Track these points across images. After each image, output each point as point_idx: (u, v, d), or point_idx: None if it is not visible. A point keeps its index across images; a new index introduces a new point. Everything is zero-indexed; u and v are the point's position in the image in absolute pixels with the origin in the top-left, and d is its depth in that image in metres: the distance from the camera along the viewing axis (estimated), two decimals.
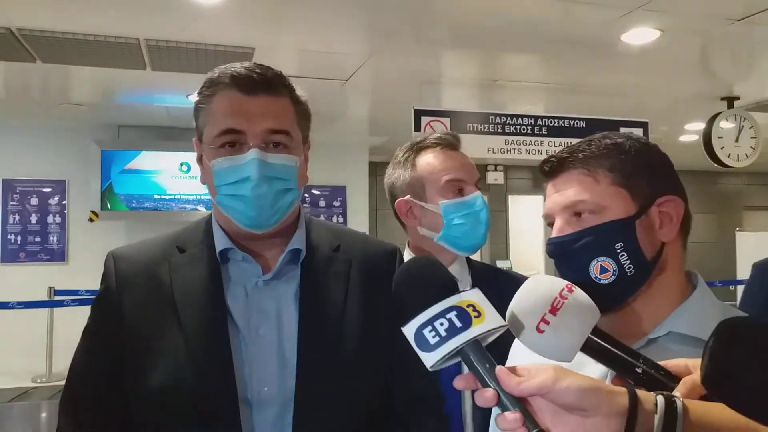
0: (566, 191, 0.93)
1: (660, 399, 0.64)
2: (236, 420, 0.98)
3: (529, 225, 8.76)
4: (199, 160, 1.12)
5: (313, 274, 1.08)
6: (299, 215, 1.14)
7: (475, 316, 0.69)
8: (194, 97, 1.13)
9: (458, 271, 1.57)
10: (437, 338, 0.68)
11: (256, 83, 1.03)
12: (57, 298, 4.90)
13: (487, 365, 0.67)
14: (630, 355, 0.75)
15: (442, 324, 0.68)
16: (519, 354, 1.07)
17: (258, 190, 1.01)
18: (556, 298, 0.76)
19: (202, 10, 2.86)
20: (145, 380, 1.01)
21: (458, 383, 0.69)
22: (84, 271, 5.21)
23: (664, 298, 0.91)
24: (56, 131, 5.33)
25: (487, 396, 0.65)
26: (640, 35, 3.22)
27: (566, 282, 0.78)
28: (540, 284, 0.78)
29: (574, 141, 3.77)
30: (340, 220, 6.27)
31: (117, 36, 3.16)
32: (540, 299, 0.76)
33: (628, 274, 0.88)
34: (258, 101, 1.03)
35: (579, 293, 0.77)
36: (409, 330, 0.70)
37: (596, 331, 0.77)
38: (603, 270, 0.89)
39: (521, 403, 0.65)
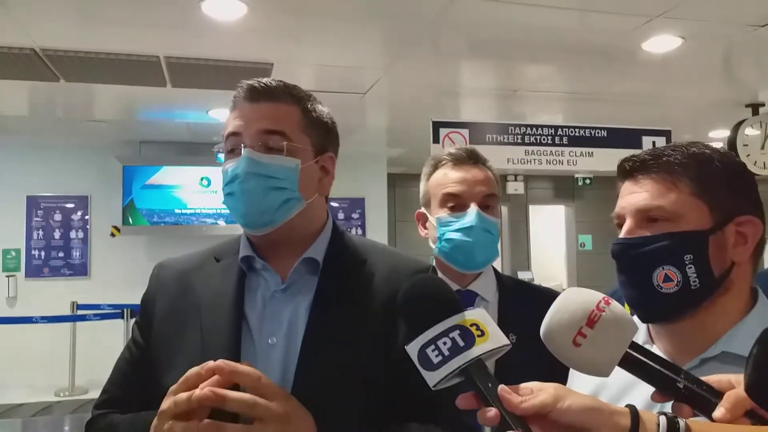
0: (643, 193, 0.91)
1: (662, 419, 0.63)
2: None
3: (550, 235, 8.68)
4: None
5: (329, 287, 1.08)
6: (324, 226, 1.15)
7: (479, 335, 0.70)
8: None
9: (481, 286, 1.55)
10: (440, 357, 0.68)
11: (257, 91, 1.08)
12: (80, 312, 4.96)
13: (490, 384, 0.67)
14: (671, 370, 0.73)
15: (445, 343, 0.69)
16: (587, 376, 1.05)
17: (244, 186, 1.04)
18: (593, 310, 0.73)
19: (221, 27, 2.88)
20: (162, 380, 1.02)
21: (460, 402, 0.69)
22: (106, 286, 5.26)
23: (724, 318, 0.88)
24: (79, 148, 5.42)
25: (489, 416, 0.65)
26: (662, 43, 3.18)
27: (602, 294, 0.76)
28: (576, 297, 0.76)
29: (596, 150, 3.69)
30: (359, 232, 6.26)
31: (138, 54, 3.20)
32: (576, 312, 0.74)
33: (692, 287, 0.86)
34: (258, 107, 1.08)
35: (616, 306, 0.74)
36: (412, 349, 0.70)
37: (635, 345, 0.75)
38: (667, 279, 0.87)
39: (523, 422, 0.64)
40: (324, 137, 1.14)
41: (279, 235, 1.08)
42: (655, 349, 0.93)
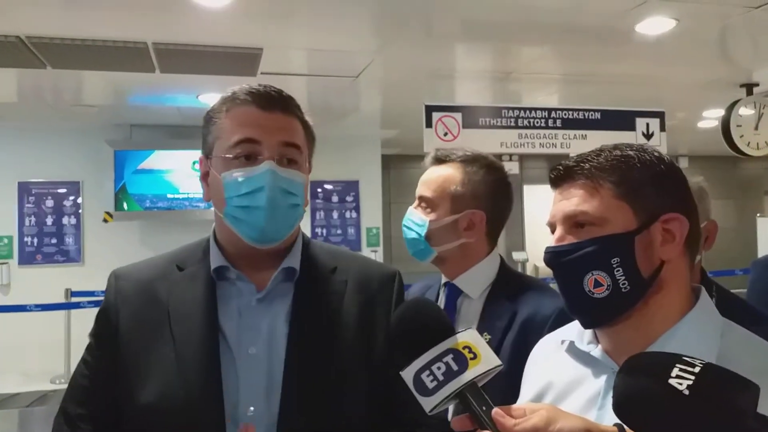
0: (569, 200, 0.92)
1: None
2: None
3: (545, 216, 8.66)
4: (205, 176, 1.12)
5: (306, 294, 1.09)
6: (298, 235, 1.15)
7: (471, 358, 0.71)
8: (206, 109, 1.16)
9: (467, 281, 1.54)
10: (435, 382, 0.70)
11: (274, 99, 1.07)
12: (74, 299, 4.95)
13: (484, 407, 0.69)
14: None
15: (439, 368, 0.70)
16: (535, 375, 1.07)
17: (272, 201, 1.02)
18: None
19: (209, 12, 2.83)
20: (136, 395, 1.02)
21: (456, 425, 0.70)
22: (100, 272, 5.20)
23: (660, 317, 0.89)
24: (69, 133, 5.36)
25: None
26: (656, 25, 3.14)
27: None
28: None
29: (590, 133, 3.68)
30: (353, 215, 6.24)
31: (125, 40, 3.14)
32: None
33: (623, 290, 0.87)
34: (274, 117, 1.06)
35: None
36: (407, 375, 0.72)
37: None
38: (597, 284, 0.88)
39: None
40: (312, 150, 1.15)
41: (272, 248, 1.07)
42: (599, 349, 0.95)
